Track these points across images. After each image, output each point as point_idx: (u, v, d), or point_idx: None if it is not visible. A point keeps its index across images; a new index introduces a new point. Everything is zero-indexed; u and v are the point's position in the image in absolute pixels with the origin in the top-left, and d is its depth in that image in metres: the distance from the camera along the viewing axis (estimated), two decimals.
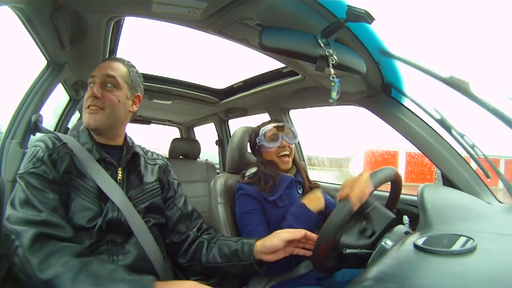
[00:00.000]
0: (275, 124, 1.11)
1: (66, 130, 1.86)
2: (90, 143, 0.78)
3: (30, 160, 0.70)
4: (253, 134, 1.17)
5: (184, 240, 0.86)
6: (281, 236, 0.74)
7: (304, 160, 1.75)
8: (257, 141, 1.11)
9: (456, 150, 0.98)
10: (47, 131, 1.08)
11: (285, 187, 1.07)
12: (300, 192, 1.13)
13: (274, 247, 0.75)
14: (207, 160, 2.45)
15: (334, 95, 0.73)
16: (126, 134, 0.86)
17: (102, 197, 0.73)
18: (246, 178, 1.10)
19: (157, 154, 0.94)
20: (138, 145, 0.91)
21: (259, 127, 1.15)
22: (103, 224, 0.71)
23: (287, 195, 1.07)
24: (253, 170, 1.12)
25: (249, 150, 1.26)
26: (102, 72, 0.78)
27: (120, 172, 0.78)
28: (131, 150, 0.82)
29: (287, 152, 1.10)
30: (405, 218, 0.83)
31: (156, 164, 0.89)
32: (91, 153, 0.76)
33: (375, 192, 0.80)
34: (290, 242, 0.78)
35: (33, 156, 0.70)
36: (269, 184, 1.05)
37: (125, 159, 0.80)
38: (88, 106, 0.77)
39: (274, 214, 1.02)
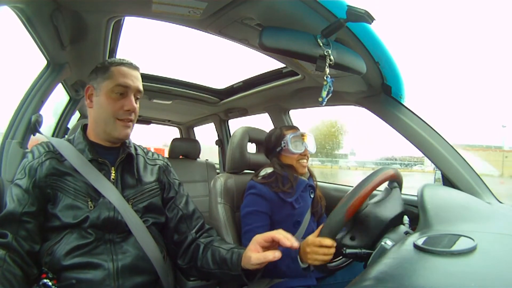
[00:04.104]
0: (302, 132, 1.16)
1: (66, 130, 1.86)
2: (83, 143, 0.79)
3: (20, 171, 0.75)
4: (273, 136, 1.18)
5: (183, 241, 0.86)
6: (252, 262, 0.69)
7: None
8: (282, 144, 1.14)
9: (456, 150, 0.98)
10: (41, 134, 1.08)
11: (301, 191, 1.11)
12: (311, 196, 1.17)
13: (251, 268, 0.72)
14: (207, 160, 2.45)
15: (324, 94, 0.74)
16: None
17: (93, 196, 0.74)
18: (260, 178, 1.11)
19: (158, 155, 0.94)
20: (139, 146, 0.91)
21: (283, 131, 1.17)
22: (98, 222, 0.72)
23: (301, 198, 1.11)
24: (269, 170, 1.13)
25: (249, 150, 1.26)
26: (135, 85, 0.80)
27: (113, 172, 0.79)
28: (126, 151, 0.82)
29: (305, 160, 1.16)
30: (405, 218, 0.83)
31: (156, 164, 0.89)
32: (83, 153, 0.77)
33: (375, 192, 0.80)
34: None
35: (22, 167, 0.75)
36: (287, 186, 1.07)
37: (119, 159, 0.81)
38: (124, 119, 0.79)
39: (288, 215, 1.05)
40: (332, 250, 0.73)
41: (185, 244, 0.85)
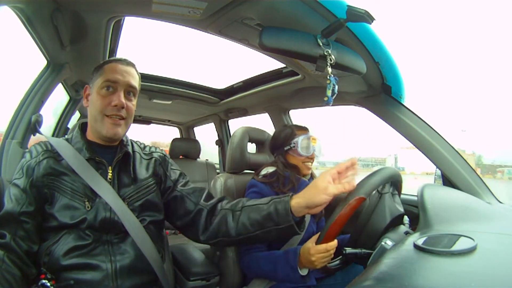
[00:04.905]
0: (312, 136, 1.16)
1: (66, 130, 1.86)
2: (81, 142, 0.78)
3: (17, 171, 0.74)
4: (283, 133, 1.16)
5: (197, 217, 0.83)
6: (329, 192, 0.66)
7: None
8: (292, 144, 1.13)
9: (456, 150, 0.97)
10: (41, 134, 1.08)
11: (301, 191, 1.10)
12: None
13: (322, 202, 0.69)
14: (207, 160, 2.45)
15: (329, 93, 0.73)
16: None
17: (90, 196, 0.73)
18: (261, 177, 1.11)
19: (155, 148, 0.92)
20: (136, 142, 0.90)
21: (294, 131, 1.16)
22: (95, 223, 0.71)
23: None
24: (270, 169, 1.13)
25: (249, 150, 1.26)
26: (125, 80, 0.78)
27: (110, 171, 0.78)
28: (123, 150, 0.81)
29: (311, 163, 1.16)
30: (405, 218, 0.83)
31: (152, 157, 0.88)
32: (81, 152, 0.77)
33: (374, 192, 0.80)
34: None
35: (20, 167, 0.74)
36: (288, 187, 1.07)
37: (116, 159, 0.79)
38: (112, 115, 0.76)
39: None
40: (333, 249, 0.77)
41: (202, 219, 0.82)
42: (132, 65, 0.82)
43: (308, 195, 0.70)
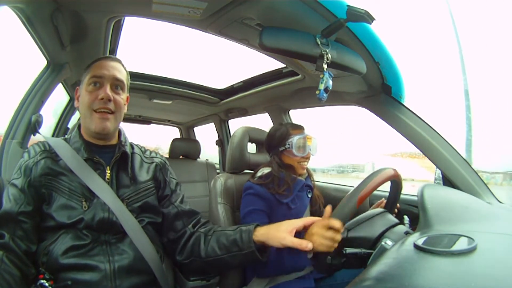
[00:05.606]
0: (308, 136, 1.14)
1: (66, 130, 1.86)
2: (79, 142, 0.78)
3: (16, 171, 0.75)
4: (278, 133, 1.15)
5: (180, 237, 0.84)
6: (283, 243, 0.70)
7: None
8: (287, 145, 1.11)
9: (456, 150, 0.97)
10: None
11: (297, 191, 1.11)
12: (309, 196, 1.17)
13: (275, 246, 0.73)
14: (207, 160, 2.46)
15: (321, 87, 0.73)
16: (120, 134, 0.86)
17: (87, 196, 0.73)
18: (256, 179, 1.10)
19: (156, 153, 0.93)
20: (137, 145, 0.90)
21: (289, 130, 1.14)
22: (93, 223, 0.71)
23: (298, 198, 1.11)
24: (266, 170, 1.12)
25: (249, 150, 1.26)
26: (110, 74, 0.78)
27: (108, 171, 0.78)
28: (121, 150, 0.81)
29: (306, 162, 1.15)
30: (405, 218, 0.83)
31: (153, 162, 0.88)
32: (79, 152, 0.77)
33: (375, 192, 0.80)
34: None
35: (18, 167, 0.75)
36: (284, 188, 1.07)
37: (114, 159, 0.79)
38: (98, 109, 0.76)
39: (284, 215, 1.03)
40: (339, 237, 0.67)
41: (183, 240, 0.84)
42: (118, 60, 0.83)
43: (269, 232, 0.74)
